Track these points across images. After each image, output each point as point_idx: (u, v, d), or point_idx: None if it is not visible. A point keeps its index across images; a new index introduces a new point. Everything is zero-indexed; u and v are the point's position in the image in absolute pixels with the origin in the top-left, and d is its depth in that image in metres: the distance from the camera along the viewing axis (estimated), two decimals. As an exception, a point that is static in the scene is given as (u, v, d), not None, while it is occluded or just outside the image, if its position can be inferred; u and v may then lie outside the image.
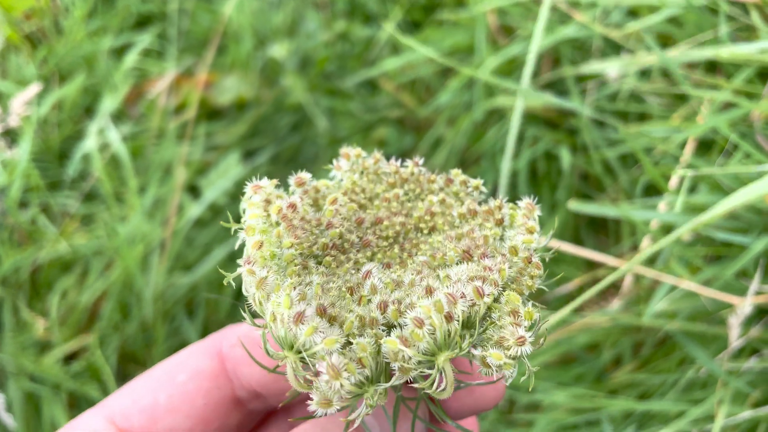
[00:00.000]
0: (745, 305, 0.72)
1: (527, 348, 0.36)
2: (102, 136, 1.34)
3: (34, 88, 1.06)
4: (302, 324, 0.34)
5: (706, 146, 0.94)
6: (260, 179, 0.43)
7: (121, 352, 1.24)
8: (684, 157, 0.85)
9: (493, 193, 1.28)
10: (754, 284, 0.74)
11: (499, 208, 0.43)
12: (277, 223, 0.41)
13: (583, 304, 1.15)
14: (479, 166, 1.19)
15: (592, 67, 1.02)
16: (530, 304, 0.39)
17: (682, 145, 0.92)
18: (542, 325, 0.38)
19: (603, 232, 1.14)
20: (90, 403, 1.18)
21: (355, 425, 0.36)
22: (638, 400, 0.94)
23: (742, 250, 0.78)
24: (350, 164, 0.46)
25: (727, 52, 0.88)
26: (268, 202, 0.42)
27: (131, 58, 1.42)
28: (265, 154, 1.39)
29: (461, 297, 0.35)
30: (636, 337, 0.98)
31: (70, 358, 1.23)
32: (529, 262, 0.39)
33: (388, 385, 0.35)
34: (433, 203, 0.44)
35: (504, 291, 0.38)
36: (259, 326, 0.38)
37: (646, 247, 0.87)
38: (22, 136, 1.24)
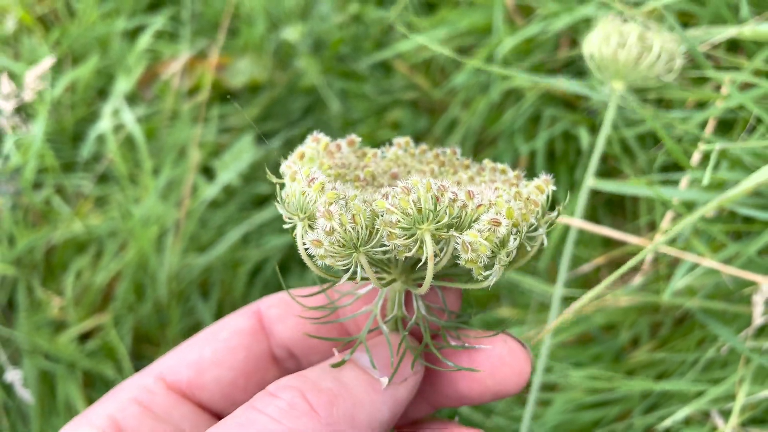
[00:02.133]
0: (769, 282, 0.71)
1: (502, 230, 0.38)
2: (116, 118, 1.34)
3: (48, 61, 1.05)
4: (313, 184, 0.38)
5: (726, 125, 0.94)
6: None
7: (136, 332, 1.25)
8: (705, 135, 0.84)
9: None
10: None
11: (518, 177, 0.46)
12: (322, 158, 0.45)
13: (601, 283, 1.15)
14: (496, 147, 1.18)
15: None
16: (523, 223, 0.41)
17: (702, 125, 0.91)
18: (535, 234, 0.41)
19: (620, 213, 1.13)
20: (105, 382, 1.19)
21: (343, 280, 0.40)
22: (657, 380, 0.94)
23: (765, 227, 0.77)
24: (398, 149, 0.50)
25: (749, 30, 0.87)
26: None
27: (144, 40, 1.41)
28: (279, 137, 1.39)
29: (453, 194, 0.38)
30: (654, 317, 0.98)
31: (84, 337, 1.24)
32: (528, 199, 0.41)
33: (370, 246, 0.38)
34: (462, 178, 0.47)
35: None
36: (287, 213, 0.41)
37: (670, 224, 0.86)
38: (36, 117, 1.24)
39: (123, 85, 1.34)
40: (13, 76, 1.35)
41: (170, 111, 1.39)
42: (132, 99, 1.42)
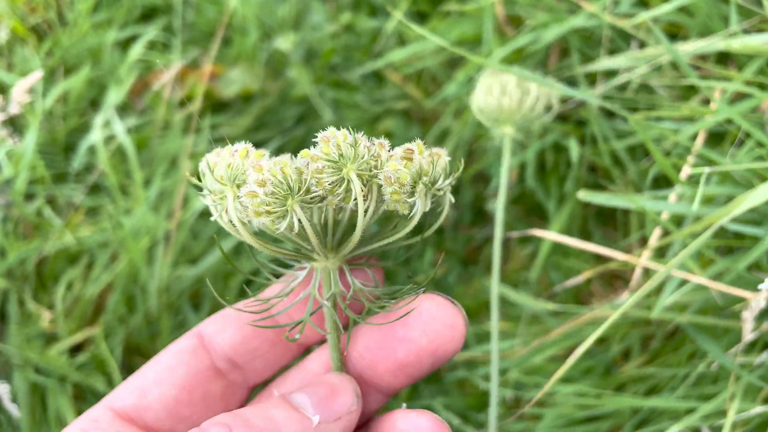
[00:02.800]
0: (760, 299, 0.70)
1: (417, 159, 0.42)
2: (107, 129, 1.33)
3: (36, 75, 1.05)
4: (237, 152, 0.41)
5: (716, 137, 0.93)
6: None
7: (126, 344, 1.24)
8: (695, 148, 0.83)
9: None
10: None
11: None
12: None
13: (592, 297, 1.14)
14: (486, 158, 1.18)
15: (602, 63, 1.00)
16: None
17: (693, 136, 0.90)
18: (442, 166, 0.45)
19: (611, 224, 1.12)
20: (95, 394, 1.18)
21: (283, 226, 0.42)
22: (647, 394, 0.93)
23: (755, 242, 0.76)
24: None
25: (738, 43, 0.86)
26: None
27: (136, 51, 1.41)
28: (271, 145, 1.38)
29: (366, 145, 0.42)
30: (645, 330, 0.97)
31: (75, 350, 1.23)
32: (431, 153, 0.45)
33: (302, 195, 0.41)
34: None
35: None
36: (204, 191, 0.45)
37: (659, 240, 0.86)
38: (28, 128, 1.24)
39: (114, 95, 1.34)
40: (5, 87, 1.35)
41: (162, 121, 1.39)
42: (124, 109, 1.42)
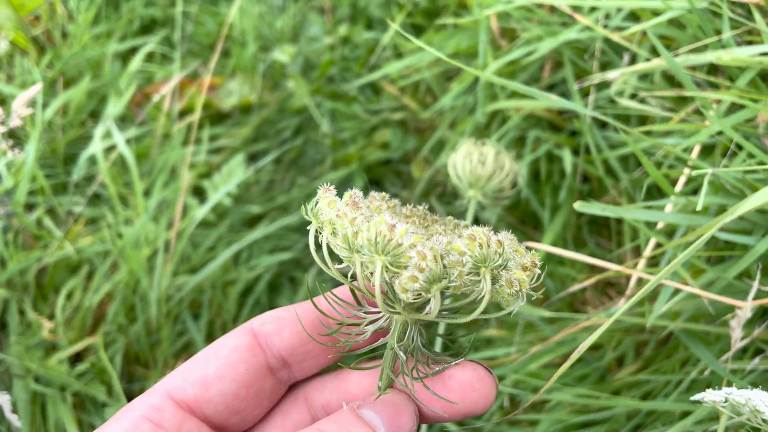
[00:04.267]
0: (746, 309, 0.72)
1: (537, 270, 0.47)
2: (107, 140, 1.35)
3: (36, 88, 1.06)
4: (396, 229, 0.44)
5: (708, 149, 0.95)
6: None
7: (126, 353, 1.25)
8: (690, 160, 0.85)
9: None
10: (754, 288, 0.75)
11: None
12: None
13: (586, 304, 1.16)
14: (482, 168, 1.19)
15: (595, 77, 1.02)
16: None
17: (685, 147, 0.92)
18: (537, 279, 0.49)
19: (605, 233, 1.14)
20: (95, 403, 1.19)
21: (427, 309, 0.48)
22: (641, 400, 0.95)
23: (745, 251, 0.78)
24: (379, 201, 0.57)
25: (728, 56, 0.88)
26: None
27: (136, 62, 1.43)
28: (270, 156, 1.40)
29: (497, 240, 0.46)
30: (639, 337, 0.98)
31: (75, 359, 1.24)
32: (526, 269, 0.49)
33: (444, 283, 0.45)
34: (438, 230, 0.56)
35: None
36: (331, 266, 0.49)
37: (653, 250, 0.87)
38: (28, 139, 1.25)
39: (114, 106, 1.36)
40: (6, 99, 1.36)
41: (161, 132, 1.40)
42: (123, 120, 1.43)
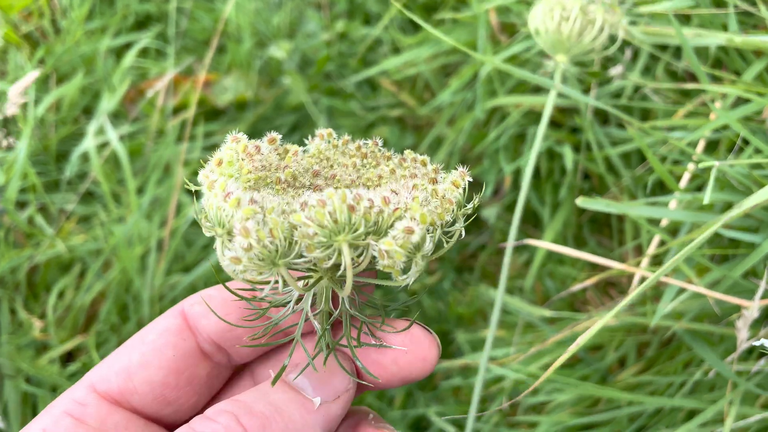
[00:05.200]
0: (752, 309, 0.70)
1: (416, 237, 0.39)
2: (100, 136, 1.33)
3: (32, 75, 1.04)
4: (229, 199, 0.39)
5: (712, 144, 0.93)
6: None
7: (119, 353, 1.23)
8: (695, 154, 0.83)
9: (496, 192, 1.27)
10: (761, 287, 0.73)
11: (436, 171, 0.47)
12: (242, 160, 0.45)
13: (587, 304, 1.14)
14: (481, 165, 1.17)
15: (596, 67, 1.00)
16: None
17: (690, 142, 0.90)
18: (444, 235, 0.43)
19: (606, 232, 1.12)
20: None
21: (265, 292, 0.42)
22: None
23: (751, 249, 0.76)
24: (321, 141, 0.50)
25: (739, 39, 0.86)
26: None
27: (130, 58, 1.41)
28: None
29: (369, 201, 0.39)
30: (640, 338, 0.96)
31: (67, 359, 1.22)
32: (443, 197, 0.43)
33: (291, 260, 0.40)
34: (383, 170, 0.48)
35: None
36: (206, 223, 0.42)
37: (656, 248, 0.85)
38: (20, 135, 1.23)
39: (108, 103, 1.33)
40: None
41: (155, 129, 1.38)
42: (117, 117, 1.41)
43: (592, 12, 0.79)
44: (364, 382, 0.48)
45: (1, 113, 1.08)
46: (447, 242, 0.44)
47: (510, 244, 0.82)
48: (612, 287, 1.13)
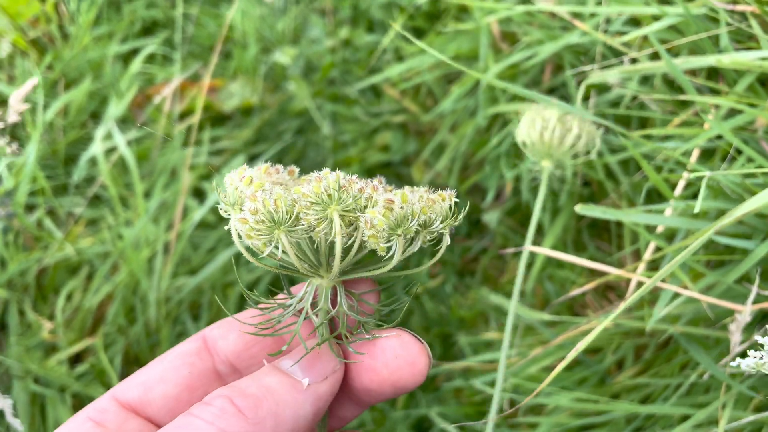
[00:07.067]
0: (745, 313, 0.72)
1: (397, 210, 0.45)
2: (108, 141, 1.35)
3: (31, 83, 1.06)
4: (249, 184, 0.46)
5: (707, 153, 0.95)
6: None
7: (126, 354, 1.25)
8: (690, 164, 0.85)
9: (498, 197, 1.29)
10: (754, 292, 0.75)
11: (427, 191, 0.52)
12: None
13: (586, 308, 1.16)
14: (483, 171, 1.20)
15: (595, 76, 1.03)
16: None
17: (684, 151, 0.93)
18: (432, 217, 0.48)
19: (605, 237, 1.14)
20: (95, 405, 1.18)
21: (267, 251, 0.47)
22: (641, 404, 0.95)
23: (745, 255, 0.78)
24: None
25: (728, 59, 0.89)
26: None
27: (137, 64, 1.43)
28: (270, 158, 1.40)
29: (360, 187, 0.46)
30: (638, 340, 0.99)
31: (75, 360, 1.24)
32: (428, 198, 0.48)
33: (289, 226, 0.46)
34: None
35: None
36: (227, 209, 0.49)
37: (652, 254, 0.88)
38: (29, 140, 1.25)
39: (115, 108, 1.36)
40: (5, 100, 1.36)
41: (162, 134, 1.40)
42: (124, 122, 1.43)
43: (569, 121, 0.89)
44: (359, 384, 0.51)
45: (3, 121, 1.10)
46: (428, 243, 0.49)
47: (510, 249, 0.84)
48: (611, 290, 1.16)
